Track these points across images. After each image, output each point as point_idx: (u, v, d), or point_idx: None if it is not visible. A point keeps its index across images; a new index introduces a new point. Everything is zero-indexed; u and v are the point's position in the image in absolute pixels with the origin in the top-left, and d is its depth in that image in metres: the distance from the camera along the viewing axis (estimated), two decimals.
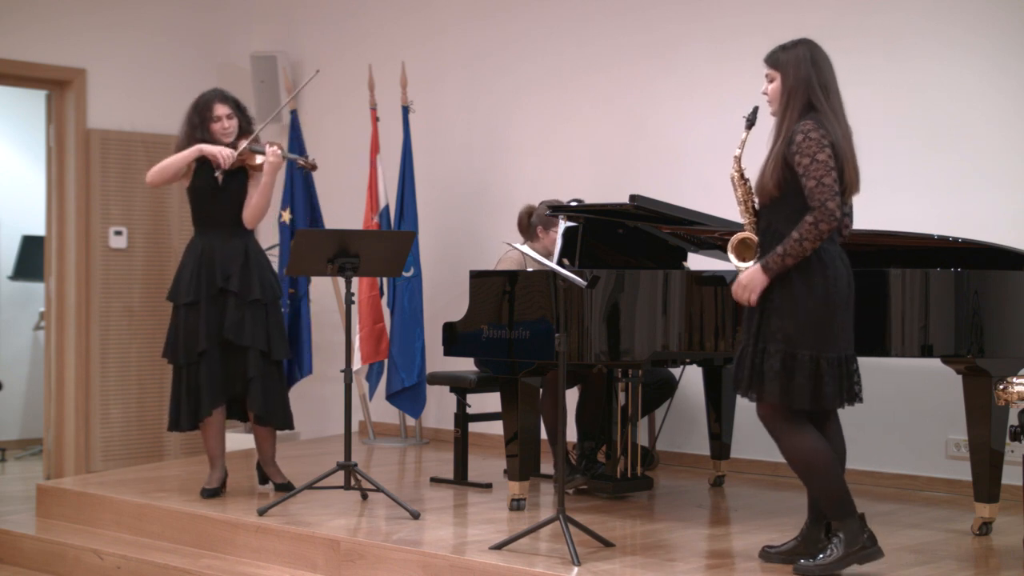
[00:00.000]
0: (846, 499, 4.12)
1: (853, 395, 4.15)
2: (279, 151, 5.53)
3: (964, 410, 4.83)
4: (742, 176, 4.25)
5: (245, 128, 5.65)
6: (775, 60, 4.20)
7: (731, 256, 4.23)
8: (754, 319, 4.13)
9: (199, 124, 5.57)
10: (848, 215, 4.25)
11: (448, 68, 7.68)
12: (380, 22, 8.03)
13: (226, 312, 5.49)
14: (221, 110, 5.57)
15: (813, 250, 4.02)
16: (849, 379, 4.13)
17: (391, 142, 7.51)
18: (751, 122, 4.26)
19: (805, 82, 4.11)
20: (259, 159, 5.56)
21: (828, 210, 3.98)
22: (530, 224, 6.21)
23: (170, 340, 5.62)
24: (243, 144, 5.54)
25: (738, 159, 4.26)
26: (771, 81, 4.20)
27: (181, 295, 5.55)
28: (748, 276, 4.13)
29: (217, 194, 5.56)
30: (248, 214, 5.58)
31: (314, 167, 5.81)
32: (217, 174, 5.51)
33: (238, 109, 5.65)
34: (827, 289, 4.05)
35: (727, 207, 4.46)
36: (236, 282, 5.50)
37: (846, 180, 4.09)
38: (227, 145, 5.56)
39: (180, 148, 5.61)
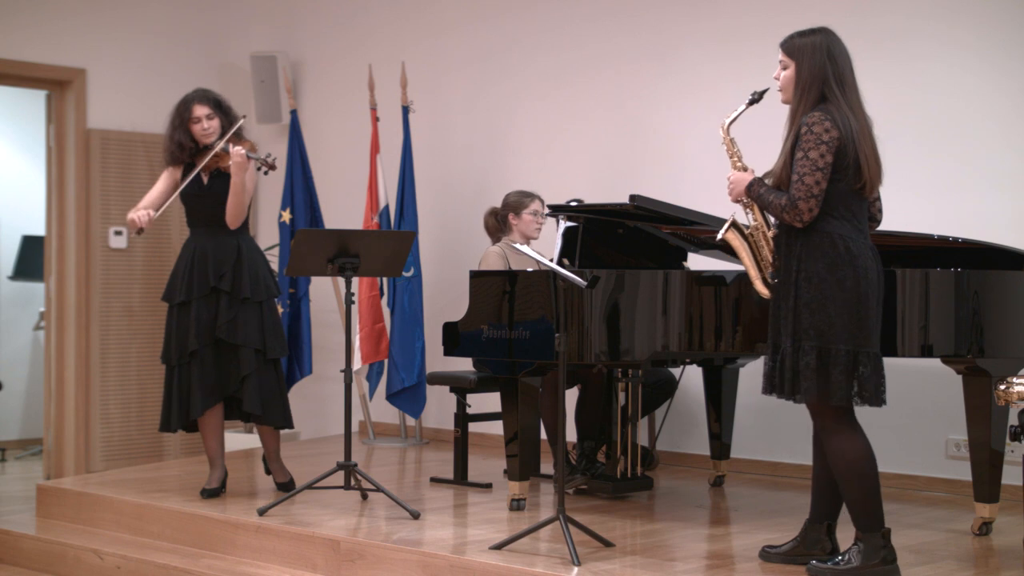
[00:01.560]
0: (877, 511, 4.04)
1: (880, 395, 4.00)
2: (242, 151, 5.43)
3: (964, 410, 4.83)
4: (732, 142, 4.21)
5: (228, 129, 5.59)
6: (790, 47, 4.08)
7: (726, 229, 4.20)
8: (789, 319, 4.00)
9: (179, 125, 5.57)
10: (878, 208, 4.21)
11: (449, 68, 7.68)
12: (380, 22, 8.03)
13: (219, 311, 5.49)
14: (200, 111, 5.53)
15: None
16: (878, 376, 4.00)
17: (391, 142, 7.51)
18: (754, 101, 4.19)
19: (820, 75, 4.00)
20: (229, 160, 5.54)
21: (798, 209, 3.94)
22: (498, 221, 6.23)
23: (165, 341, 5.61)
24: (220, 145, 5.51)
25: (725, 128, 4.22)
26: (784, 68, 4.09)
27: (175, 295, 5.55)
28: (739, 177, 4.14)
29: (204, 195, 5.57)
30: (227, 214, 5.54)
31: (272, 167, 5.65)
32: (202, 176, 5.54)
33: (219, 109, 5.60)
34: (857, 281, 3.95)
35: (727, 207, 4.45)
36: (228, 281, 5.49)
37: (865, 175, 3.99)
38: (208, 145, 5.53)
39: (165, 147, 5.63)
